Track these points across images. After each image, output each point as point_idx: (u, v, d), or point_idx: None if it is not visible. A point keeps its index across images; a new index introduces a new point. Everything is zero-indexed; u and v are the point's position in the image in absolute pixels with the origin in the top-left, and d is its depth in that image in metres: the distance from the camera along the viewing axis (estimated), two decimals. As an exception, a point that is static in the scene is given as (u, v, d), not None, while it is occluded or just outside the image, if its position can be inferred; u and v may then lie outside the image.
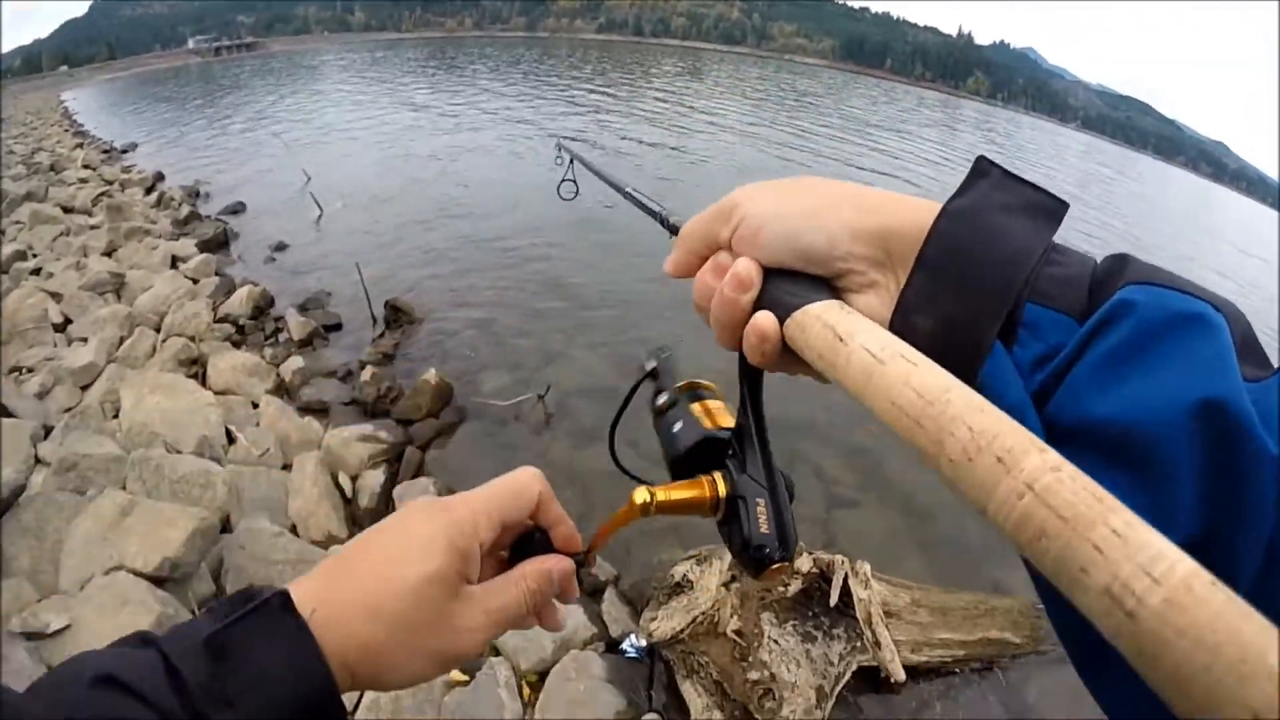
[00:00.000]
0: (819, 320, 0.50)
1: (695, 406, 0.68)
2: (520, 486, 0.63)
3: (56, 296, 7.52)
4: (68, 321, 7.19)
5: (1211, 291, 0.45)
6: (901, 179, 19.75)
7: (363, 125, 22.07)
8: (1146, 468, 0.39)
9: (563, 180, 1.86)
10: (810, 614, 3.40)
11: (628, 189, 1.13)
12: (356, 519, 4.55)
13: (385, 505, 4.64)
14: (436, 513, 0.58)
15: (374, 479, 4.73)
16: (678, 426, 0.67)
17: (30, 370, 6.06)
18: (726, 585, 3.43)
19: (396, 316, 7.62)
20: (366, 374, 6.09)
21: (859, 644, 3.31)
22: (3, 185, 13.09)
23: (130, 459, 4.24)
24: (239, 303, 7.60)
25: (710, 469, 0.62)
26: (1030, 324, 0.47)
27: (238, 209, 12.47)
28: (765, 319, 0.53)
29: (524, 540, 0.65)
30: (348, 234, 10.88)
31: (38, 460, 4.51)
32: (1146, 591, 0.28)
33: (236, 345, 6.88)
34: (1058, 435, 0.43)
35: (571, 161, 1.83)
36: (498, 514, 0.60)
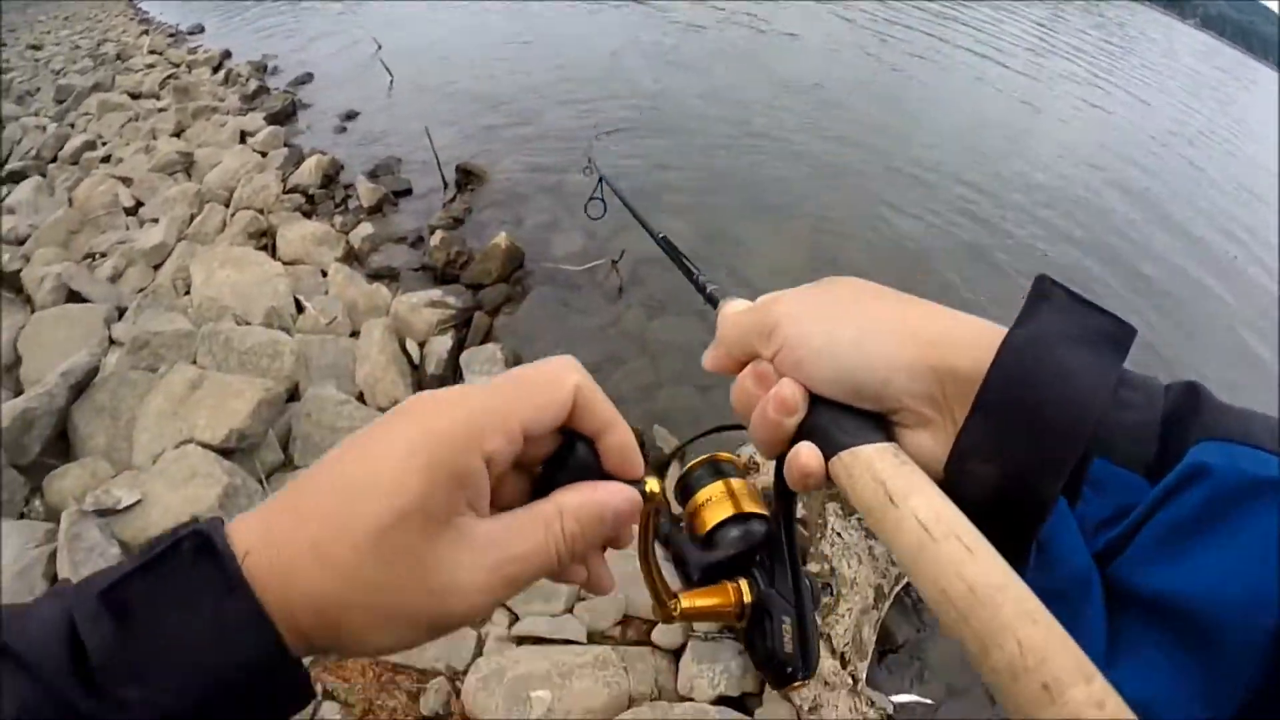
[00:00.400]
0: (868, 470, 0.47)
1: (717, 487, 0.65)
2: (549, 378, 0.46)
3: (126, 181, 7.45)
4: (139, 204, 7.12)
5: None
6: (996, 60, 18.20)
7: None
8: (1207, 654, 0.38)
9: (590, 198, 1.80)
10: (879, 508, 3.17)
11: (661, 235, 1.07)
12: (423, 385, 4.41)
13: (453, 371, 4.49)
14: (419, 417, 0.42)
15: (441, 345, 4.57)
16: (690, 555, 0.64)
17: (103, 255, 6.02)
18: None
19: (468, 180, 7.34)
20: (436, 239, 5.86)
21: (925, 547, 3.09)
22: (69, 81, 13.13)
23: (200, 333, 4.18)
24: (308, 172, 7.41)
25: (735, 572, 0.60)
26: (1096, 481, 0.44)
27: (305, 80, 12.16)
28: (810, 455, 0.50)
29: (560, 455, 0.48)
30: (418, 99, 10.47)
31: (111, 341, 4.52)
32: None
33: (306, 215, 6.72)
34: (1119, 597, 0.42)
35: (601, 181, 1.76)
36: (514, 416, 0.43)
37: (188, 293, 5.15)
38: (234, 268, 5.09)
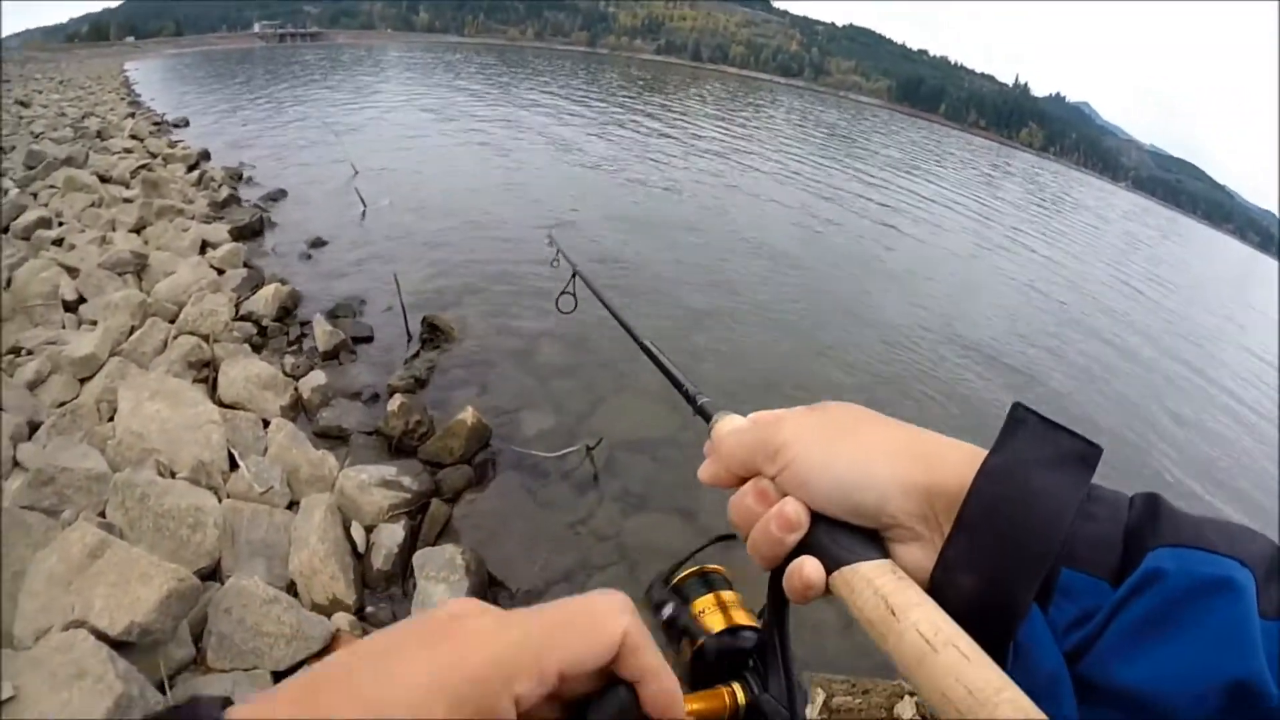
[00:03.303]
0: (870, 585, 0.49)
1: (708, 599, 0.66)
2: (596, 620, 0.41)
3: (73, 272, 6.98)
4: (80, 300, 6.65)
5: (1243, 535, 0.45)
6: (935, 224, 20.20)
7: (421, 127, 21.78)
8: None
9: (562, 293, 1.72)
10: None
11: (646, 342, 1.01)
12: (368, 581, 3.90)
13: (403, 570, 3.98)
14: (446, 651, 0.37)
15: (392, 536, 4.06)
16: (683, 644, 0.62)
17: (29, 353, 5.49)
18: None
19: (434, 335, 7.04)
20: (394, 403, 5.43)
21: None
22: (43, 147, 12.73)
23: (114, 481, 3.66)
24: (264, 301, 7.05)
25: (727, 675, 0.59)
26: (1065, 588, 0.46)
27: (278, 196, 12.05)
28: (813, 568, 0.51)
29: (599, 698, 0.41)
30: (391, 236, 10.33)
31: (16, 463, 4.01)
32: None
33: (256, 349, 6.31)
34: (1088, 694, 0.44)
35: (574, 277, 1.68)
36: (553, 657, 0.38)
37: (112, 418, 4.61)
38: (166, 402, 4.58)
